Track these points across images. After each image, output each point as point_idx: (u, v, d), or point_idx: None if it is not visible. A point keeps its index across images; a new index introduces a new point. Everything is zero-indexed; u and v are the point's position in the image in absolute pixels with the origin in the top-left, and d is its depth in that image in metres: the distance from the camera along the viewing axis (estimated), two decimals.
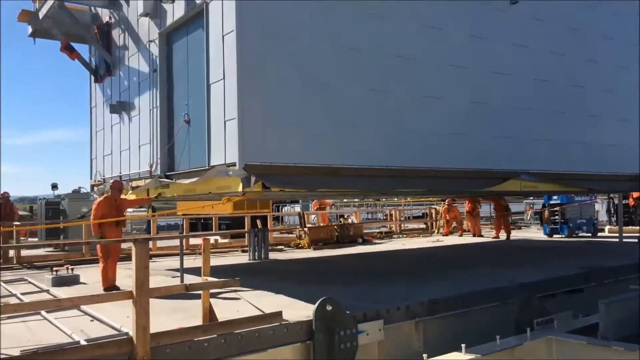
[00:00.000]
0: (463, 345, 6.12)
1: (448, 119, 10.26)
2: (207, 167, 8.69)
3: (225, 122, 8.23)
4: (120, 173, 12.07)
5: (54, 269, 10.59)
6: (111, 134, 12.74)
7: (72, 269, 10.66)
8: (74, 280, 10.19)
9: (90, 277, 10.86)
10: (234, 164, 7.97)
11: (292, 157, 8.36)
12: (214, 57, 8.61)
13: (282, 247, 17.18)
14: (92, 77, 13.78)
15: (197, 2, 9.04)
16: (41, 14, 12.23)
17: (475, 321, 7.86)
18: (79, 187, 20.14)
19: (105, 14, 12.81)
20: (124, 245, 14.80)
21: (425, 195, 20.89)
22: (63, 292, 8.95)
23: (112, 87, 12.71)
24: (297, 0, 8.51)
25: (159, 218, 25.37)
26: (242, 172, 7.85)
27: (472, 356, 6.03)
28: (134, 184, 11.29)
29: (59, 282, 9.91)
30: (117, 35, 12.39)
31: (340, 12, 8.95)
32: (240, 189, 7.94)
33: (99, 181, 13.17)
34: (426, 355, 5.85)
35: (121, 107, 12.01)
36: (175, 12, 9.81)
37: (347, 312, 6.60)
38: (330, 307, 6.41)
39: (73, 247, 15.17)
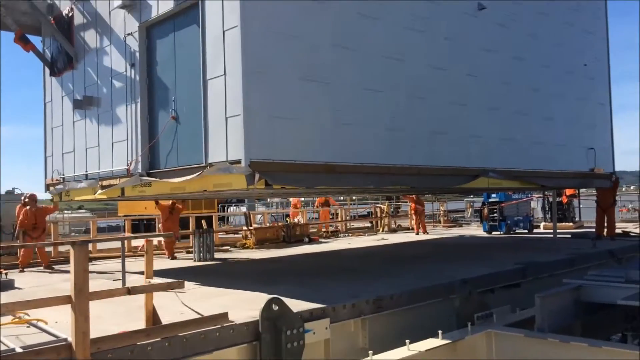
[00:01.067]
0: (407, 341, 6.25)
1: (430, 119, 10.62)
2: (203, 165, 8.50)
3: (227, 118, 8.15)
4: (87, 171, 11.45)
5: None
6: (73, 131, 12.03)
7: (7, 274, 10.22)
8: (8, 285, 9.76)
9: (26, 282, 10.44)
10: (238, 161, 7.89)
11: (292, 154, 8.40)
12: (211, 52, 8.46)
13: (228, 247, 17.02)
14: (48, 71, 12.90)
15: None
16: None
17: (419, 317, 8.05)
18: (13, 188, 19.27)
19: (64, 5, 12.17)
20: (62, 249, 14.40)
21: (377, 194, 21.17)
22: None
23: (75, 81, 12.01)
24: (297, 0, 8.58)
25: (99, 220, 24.60)
26: (247, 169, 7.78)
27: (416, 351, 6.16)
28: (105, 182, 10.67)
29: None
30: (81, 27, 11.74)
31: (338, 11, 9.10)
32: (244, 186, 7.83)
33: (57, 180, 12.37)
34: (372, 352, 5.93)
35: (88, 102, 11.35)
36: (161, 5, 9.48)
37: (294, 311, 6.62)
38: (277, 307, 6.41)
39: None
